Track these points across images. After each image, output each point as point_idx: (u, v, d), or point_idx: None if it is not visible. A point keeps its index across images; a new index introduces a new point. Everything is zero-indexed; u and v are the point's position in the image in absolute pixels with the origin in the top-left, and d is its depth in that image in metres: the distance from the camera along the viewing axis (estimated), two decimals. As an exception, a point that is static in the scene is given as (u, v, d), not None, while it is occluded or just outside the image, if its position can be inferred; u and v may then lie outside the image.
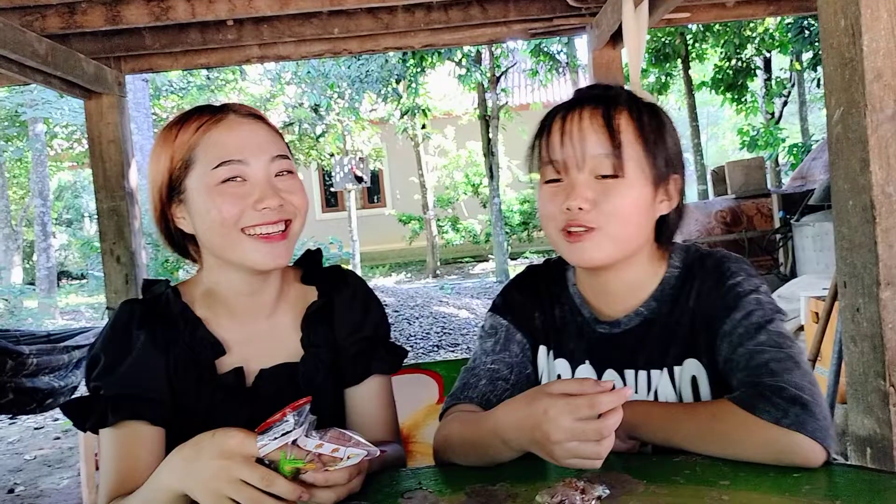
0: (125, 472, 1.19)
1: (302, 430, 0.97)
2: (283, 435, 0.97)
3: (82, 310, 12.82)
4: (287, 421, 0.98)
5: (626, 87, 1.27)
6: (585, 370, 1.28)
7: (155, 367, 1.23)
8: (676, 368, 1.22)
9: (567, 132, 1.19)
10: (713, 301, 1.20)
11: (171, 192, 1.24)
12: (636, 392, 1.23)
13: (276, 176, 1.23)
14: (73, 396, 4.08)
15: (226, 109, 1.25)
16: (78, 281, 16.57)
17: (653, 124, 1.22)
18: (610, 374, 1.26)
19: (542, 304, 1.34)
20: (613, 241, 1.18)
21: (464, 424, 1.18)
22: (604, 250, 1.18)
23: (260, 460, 0.99)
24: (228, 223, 1.19)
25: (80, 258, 15.13)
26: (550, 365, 1.32)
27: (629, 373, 1.24)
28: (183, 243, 1.31)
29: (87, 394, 1.26)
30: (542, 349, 1.33)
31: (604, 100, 1.21)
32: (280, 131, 1.31)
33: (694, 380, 1.21)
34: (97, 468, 4.28)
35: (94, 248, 10.09)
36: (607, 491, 0.93)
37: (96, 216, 4.45)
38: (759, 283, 1.20)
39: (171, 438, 1.20)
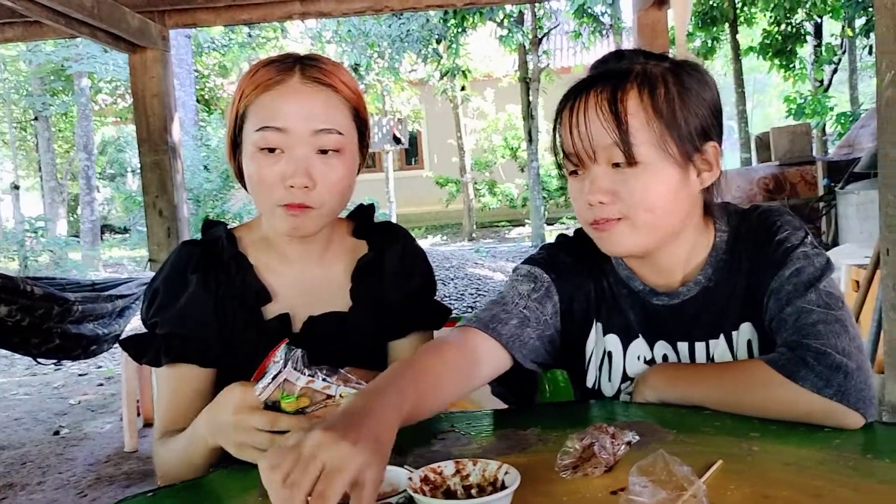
0: (175, 411, 1.26)
1: (288, 367, 1.02)
2: (274, 377, 1.03)
3: (125, 262, 13.11)
4: (277, 363, 1.03)
5: (644, 51, 1.19)
6: (639, 345, 1.23)
7: (205, 310, 1.27)
8: (734, 334, 1.19)
9: (574, 124, 1.13)
10: (762, 258, 1.15)
11: (235, 138, 1.27)
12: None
13: (319, 152, 1.21)
14: (116, 344, 4.20)
15: (294, 69, 1.22)
16: (121, 234, 16.91)
17: (672, 94, 1.12)
18: (662, 347, 1.22)
19: (595, 275, 1.27)
20: (643, 230, 1.13)
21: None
22: (632, 240, 1.13)
23: (269, 406, 1.04)
24: (261, 189, 1.22)
25: (123, 212, 15.41)
26: (600, 341, 1.26)
27: (682, 345, 1.21)
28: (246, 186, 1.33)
29: (144, 330, 1.31)
30: (598, 326, 1.27)
31: (612, 78, 1.12)
32: (359, 103, 1.27)
33: (749, 344, 1.18)
34: (138, 414, 4.39)
35: (136, 203, 10.26)
36: (637, 437, 0.95)
37: (139, 170, 4.52)
38: (804, 236, 1.15)
39: (225, 378, 1.23)
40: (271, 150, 1.20)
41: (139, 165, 4.49)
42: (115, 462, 3.98)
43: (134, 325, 4.87)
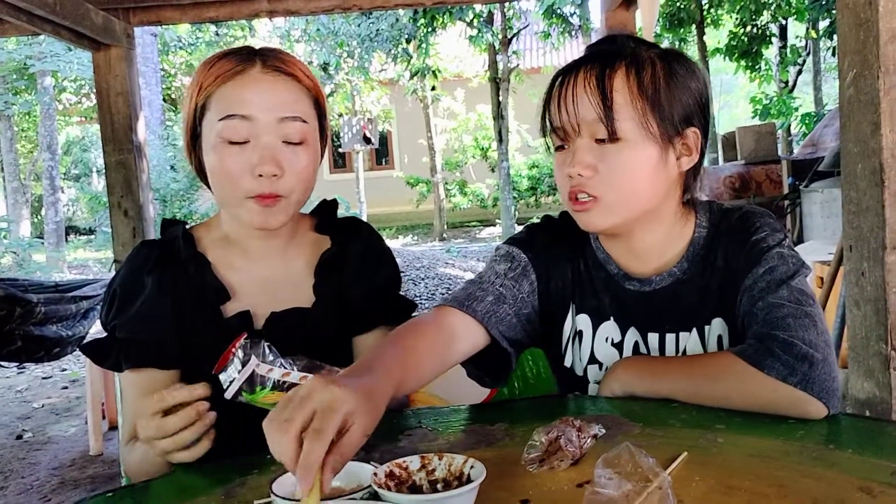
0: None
1: (253, 363, 1.00)
2: (238, 374, 1.00)
3: (90, 264, 12.90)
4: (234, 361, 1.01)
5: (636, 37, 1.22)
6: (609, 327, 1.25)
7: (161, 313, 1.25)
8: (706, 328, 1.20)
9: (563, 97, 1.16)
10: (738, 257, 1.18)
11: (195, 129, 1.25)
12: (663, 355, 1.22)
13: (285, 143, 1.21)
14: (79, 345, 4.14)
15: (255, 59, 1.22)
16: (86, 236, 16.64)
17: (658, 77, 1.15)
18: (633, 335, 1.23)
19: (572, 257, 1.30)
20: (617, 207, 1.16)
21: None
22: (607, 217, 1.16)
23: (238, 404, 1.02)
24: (226, 182, 1.20)
25: (88, 213, 15.18)
26: (573, 321, 1.28)
27: (652, 336, 1.22)
28: (206, 181, 1.31)
29: (105, 334, 1.29)
30: (572, 307, 1.28)
31: (603, 57, 1.16)
32: (318, 93, 1.27)
33: (720, 339, 1.20)
34: (103, 417, 4.31)
35: (101, 203, 10.10)
36: (603, 430, 0.95)
37: (104, 170, 4.45)
38: (782, 238, 1.17)
39: (188, 379, 1.22)
40: (236, 142, 1.19)
41: (104, 165, 4.42)
42: (80, 466, 3.91)
43: (98, 327, 4.80)
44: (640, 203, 1.17)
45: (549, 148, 1.24)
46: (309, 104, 1.25)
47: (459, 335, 1.17)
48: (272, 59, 1.23)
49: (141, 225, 4.41)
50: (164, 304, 1.26)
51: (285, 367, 1.01)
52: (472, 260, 10.86)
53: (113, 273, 5.00)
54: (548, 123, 1.21)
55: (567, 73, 1.18)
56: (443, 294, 8.07)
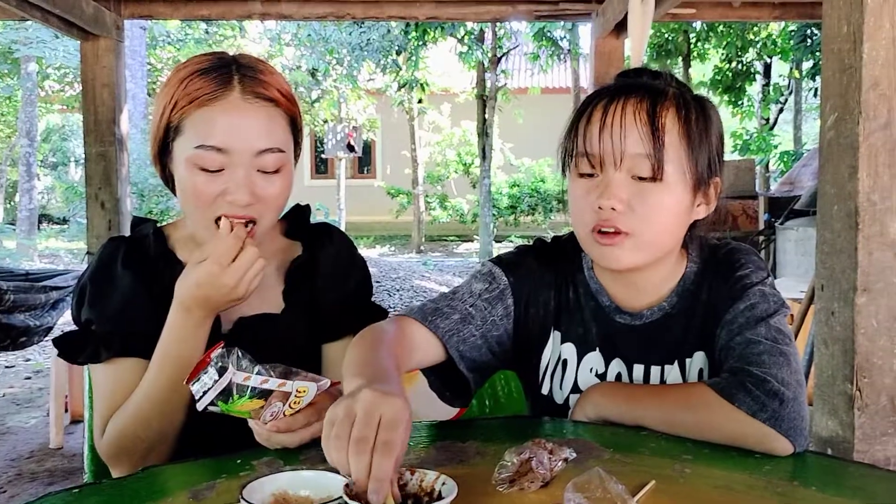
0: (117, 407, 1.21)
1: (230, 372, 0.99)
2: (214, 383, 0.99)
3: (61, 254, 12.72)
4: (208, 370, 0.99)
5: (671, 74, 1.20)
6: (594, 358, 1.24)
7: (143, 304, 1.24)
8: (687, 361, 1.21)
9: (607, 125, 1.11)
10: (722, 292, 1.18)
11: (164, 143, 1.23)
12: None
13: (259, 171, 1.19)
14: (47, 336, 4.07)
15: (233, 81, 1.18)
16: (59, 225, 16.41)
17: (699, 122, 1.14)
18: (617, 365, 1.23)
19: (558, 284, 1.28)
20: (645, 248, 1.14)
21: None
22: (633, 257, 1.14)
23: (212, 413, 1.01)
24: (197, 204, 1.19)
25: (63, 202, 15.00)
26: (556, 349, 1.27)
27: (638, 367, 1.22)
28: (172, 188, 1.30)
29: (76, 328, 1.27)
30: (556, 335, 1.27)
31: (650, 92, 1.13)
32: (295, 111, 1.25)
33: (701, 373, 1.20)
34: (66, 410, 4.23)
35: (77, 193, 10.00)
36: (574, 454, 0.96)
37: (83, 161, 4.40)
38: (765, 276, 1.19)
39: None
40: (210, 170, 1.17)
41: (84, 156, 4.38)
42: (39, 458, 3.84)
43: (67, 318, 4.73)
44: (666, 245, 1.17)
45: (564, 171, 1.20)
46: (286, 129, 1.24)
47: (417, 345, 1.16)
48: (251, 82, 1.19)
49: (117, 218, 4.37)
50: (143, 296, 1.25)
51: (262, 374, 1.01)
52: (448, 274, 10.86)
53: (85, 264, 4.94)
54: (580, 145, 1.15)
55: (612, 98, 1.14)
56: (417, 307, 8.04)
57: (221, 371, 0.99)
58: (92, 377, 1.27)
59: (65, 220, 14.95)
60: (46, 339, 4.09)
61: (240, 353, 1.01)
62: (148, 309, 1.24)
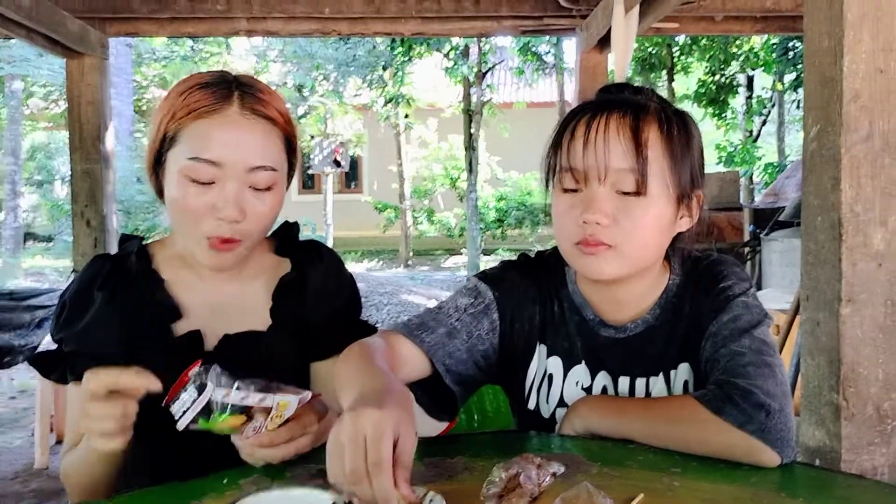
0: (82, 430, 1.19)
1: (209, 389, 0.98)
2: (193, 402, 0.98)
3: (47, 272, 12.62)
4: (188, 389, 0.99)
5: (651, 89, 1.22)
6: (580, 371, 1.24)
7: (110, 328, 1.23)
8: (672, 373, 1.22)
9: (591, 141, 1.12)
10: (705, 304, 1.19)
11: (159, 153, 1.23)
12: None
13: (251, 188, 1.20)
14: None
15: (232, 96, 1.19)
16: (44, 243, 16.29)
17: (681, 137, 1.16)
18: (603, 378, 1.23)
19: (543, 299, 1.28)
20: (628, 260, 1.15)
21: None
22: (617, 267, 1.15)
23: (194, 431, 1.00)
24: (186, 218, 1.19)
25: (48, 220, 14.90)
26: (542, 363, 1.27)
27: (623, 380, 1.23)
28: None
29: (54, 346, 1.27)
30: (542, 349, 1.27)
31: (633, 107, 1.15)
32: (291, 132, 1.26)
33: (686, 384, 1.21)
34: (51, 430, 4.20)
35: (63, 211, 9.94)
36: (562, 469, 0.96)
37: (69, 178, 4.39)
38: (747, 287, 1.20)
39: None
40: (201, 182, 1.17)
41: (69, 173, 4.36)
42: (23, 479, 3.79)
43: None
44: (648, 258, 1.18)
45: (546, 186, 1.21)
46: (280, 148, 1.24)
47: (404, 360, 1.16)
48: (250, 99, 1.20)
49: (103, 236, 4.35)
50: (113, 318, 1.24)
51: (241, 390, 1.00)
52: (435, 288, 10.85)
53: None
54: (564, 161, 1.16)
55: (595, 114, 1.15)
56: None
57: (201, 388, 0.98)
58: (67, 397, 1.27)
59: (50, 238, 14.86)
60: (40, 352, 4.05)
61: (219, 370, 1.00)
62: (115, 331, 1.23)
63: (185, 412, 0.99)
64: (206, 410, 0.99)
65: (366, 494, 0.82)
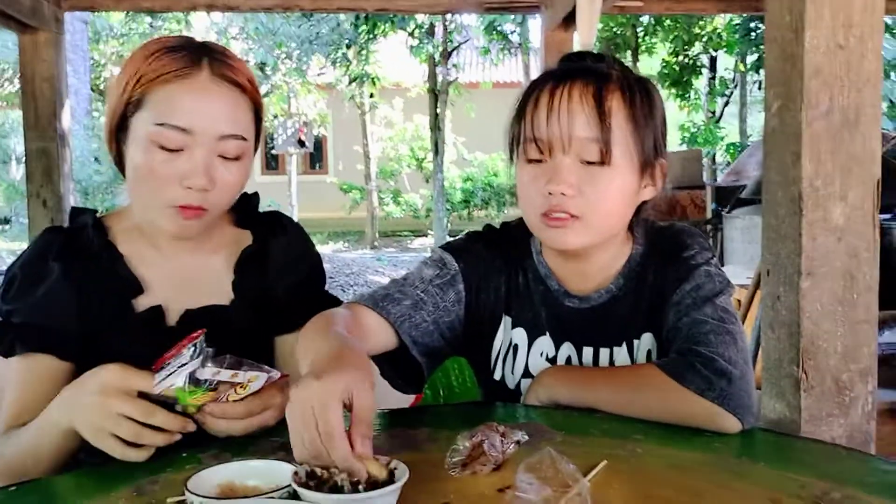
0: (23, 405, 1.15)
1: (198, 361, 0.97)
2: (179, 368, 0.97)
3: (2, 255, 12.35)
4: (182, 354, 0.97)
5: (614, 57, 1.20)
6: (544, 342, 1.25)
7: (66, 302, 1.20)
8: (635, 342, 1.22)
9: (554, 110, 1.12)
10: (668, 273, 1.20)
11: (122, 119, 1.19)
12: None
13: (220, 157, 1.17)
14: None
15: (202, 61, 1.16)
16: (0, 226, 15.94)
17: (644, 105, 1.16)
18: (567, 349, 1.24)
19: (508, 270, 1.28)
20: (594, 230, 1.15)
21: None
22: (583, 237, 1.15)
23: (161, 402, 0.98)
24: (150, 185, 1.16)
25: (4, 202, 14.55)
26: (507, 334, 1.27)
27: (587, 350, 1.23)
28: (123, 172, 1.26)
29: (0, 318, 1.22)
30: (507, 320, 1.27)
31: (595, 75, 1.14)
32: (259, 102, 1.23)
33: (649, 353, 1.22)
34: None
35: (18, 193, 9.71)
36: (526, 437, 0.96)
37: (24, 158, 4.28)
38: (710, 256, 1.21)
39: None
40: (169, 149, 1.14)
41: (24, 153, 4.25)
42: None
43: None
44: (613, 227, 1.18)
45: (511, 158, 1.21)
46: (250, 117, 1.21)
47: (370, 332, 1.15)
48: (220, 65, 1.17)
49: (60, 216, 4.25)
50: (70, 292, 1.20)
51: (216, 367, 0.98)
52: (402, 269, 10.84)
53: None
54: (528, 131, 1.15)
55: (558, 83, 1.14)
56: (371, 302, 8.01)
57: (193, 358, 0.96)
58: (6, 372, 1.20)
59: (6, 220, 14.50)
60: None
61: (207, 352, 0.99)
62: (72, 305, 1.20)
63: (168, 376, 0.97)
64: (186, 382, 0.96)
65: (332, 464, 0.81)
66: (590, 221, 1.14)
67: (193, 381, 0.97)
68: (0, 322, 1.21)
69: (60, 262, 1.21)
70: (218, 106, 1.16)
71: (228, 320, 1.26)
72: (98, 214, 1.29)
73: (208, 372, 0.98)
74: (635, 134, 1.14)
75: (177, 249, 1.27)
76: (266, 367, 1.02)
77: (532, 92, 1.18)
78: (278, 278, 1.32)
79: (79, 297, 1.21)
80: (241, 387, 0.99)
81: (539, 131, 1.14)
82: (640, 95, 1.16)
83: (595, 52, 1.24)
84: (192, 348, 0.97)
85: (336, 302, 1.36)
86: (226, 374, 0.98)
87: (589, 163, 1.13)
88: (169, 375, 0.97)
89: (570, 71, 1.16)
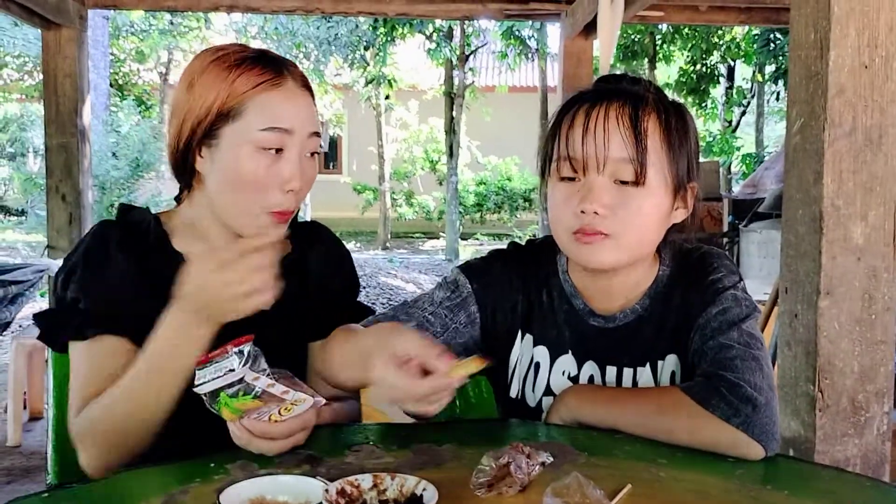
0: (99, 385, 1.16)
1: (246, 368, 0.97)
2: (227, 373, 0.97)
3: (19, 247, 12.44)
4: (229, 357, 0.97)
5: (649, 80, 1.22)
6: (567, 360, 1.25)
7: (137, 285, 1.23)
8: (660, 363, 1.22)
9: (590, 130, 1.13)
10: (694, 296, 1.20)
11: (207, 130, 1.21)
12: None
13: (307, 154, 1.24)
14: (4, 332, 3.98)
15: (286, 73, 1.24)
16: (16, 217, 16.05)
17: (679, 128, 1.17)
18: (590, 368, 1.24)
19: (528, 289, 1.28)
20: (625, 249, 1.15)
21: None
22: (614, 255, 1.15)
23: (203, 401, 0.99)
24: (252, 190, 1.20)
25: (21, 194, 14.67)
26: (527, 352, 1.27)
27: (611, 370, 1.23)
28: (188, 178, 1.28)
29: (58, 307, 1.25)
30: (528, 338, 1.27)
31: (632, 97, 1.15)
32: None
33: (673, 375, 1.22)
34: (25, 406, 4.14)
35: (36, 185, 9.78)
36: (551, 458, 0.96)
37: (43, 152, 4.32)
38: (737, 280, 1.20)
39: None
40: (275, 151, 1.20)
41: (44, 147, 4.29)
42: (-5, 456, 3.75)
43: (26, 313, 4.62)
44: (644, 247, 1.19)
45: (542, 175, 1.22)
46: (318, 118, 1.30)
47: None
48: (298, 75, 1.27)
49: (78, 211, 4.28)
50: (137, 278, 1.23)
51: (270, 378, 0.99)
52: (413, 271, 10.85)
53: (46, 258, 4.83)
54: (562, 149, 1.16)
55: (594, 103, 1.15)
56: (384, 304, 8.03)
57: (243, 363, 0.96)
58: (73, 357, 1.22)
59: (23, 213, 14.63)
60: (4, 335, 3.99)
61: (258, 352, 0.99)
62: (141, 290, 1.22)
63: (212, 379, 0.97)
64: (232, 386, 0.97)
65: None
66: (621, 240, 1.14)
67: (246, 387, 0.97)
68: (63, 309, 1.23)
69: (122, 252, 1.24)
70: (304, 108, 1.25)
71: (268, 325, 1.28)
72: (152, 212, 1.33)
73: (263, 382, 0.98)
74: (669, 156, 1.15)
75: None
76: (310, 388, 1.03)
77: (567, 111, 1.18)
78: (316, 287, 1.35)
79: (142, 281, 1.23)
80: (285, 409, 0.99)
81: (574, 150, 1.15)
82: (675, 119, 1.17)
83: (632, 74, 1.23)
84: (241, 354, 0.98)
85: (368, 312, 1.38)
86: (279, 389, 0.98)
87: (623, 183, 1.13)
88: (216, 378, 0.97)
89: (606, 92, 1.17)
